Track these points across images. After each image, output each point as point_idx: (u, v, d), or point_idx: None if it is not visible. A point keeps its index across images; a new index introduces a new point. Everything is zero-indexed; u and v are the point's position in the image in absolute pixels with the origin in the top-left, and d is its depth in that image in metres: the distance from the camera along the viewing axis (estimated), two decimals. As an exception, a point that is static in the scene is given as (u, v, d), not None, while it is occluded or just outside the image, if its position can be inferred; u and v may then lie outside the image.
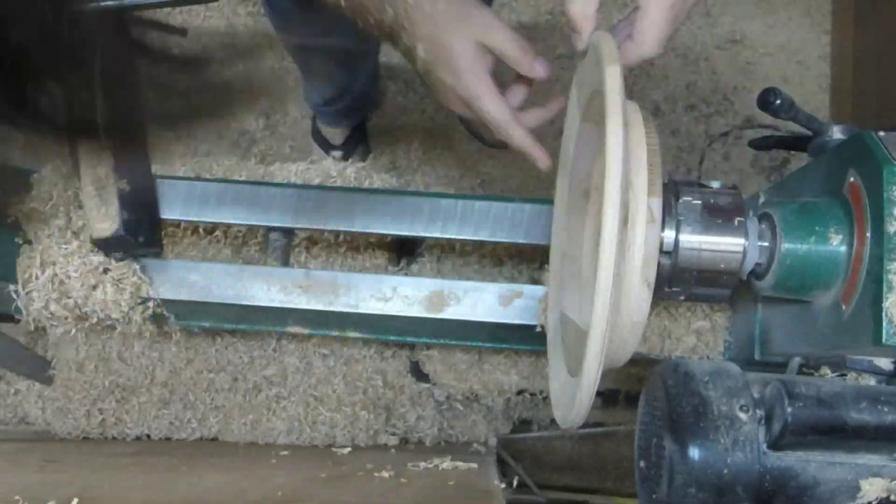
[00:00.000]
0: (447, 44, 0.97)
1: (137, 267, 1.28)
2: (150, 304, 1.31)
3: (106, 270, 1.26)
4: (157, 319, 1.35)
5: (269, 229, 1.36)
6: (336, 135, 2.04)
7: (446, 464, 1.31)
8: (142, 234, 1.25)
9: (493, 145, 2.01)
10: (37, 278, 1.27)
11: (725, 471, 0.77)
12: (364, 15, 1.02)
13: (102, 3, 1.01)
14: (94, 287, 1.26)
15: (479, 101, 1.01)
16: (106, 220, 1.22)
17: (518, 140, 1.06)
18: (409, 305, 1.29)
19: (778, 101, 1.12)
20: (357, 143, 2.06)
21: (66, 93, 1.22)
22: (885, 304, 0.84)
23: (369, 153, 2.12)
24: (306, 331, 1.36)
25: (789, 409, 0.78)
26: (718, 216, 0.97)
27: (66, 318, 1.30)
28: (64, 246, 1.26)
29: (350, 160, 2.02)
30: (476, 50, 0.98)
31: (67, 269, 1.26)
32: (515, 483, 1.72)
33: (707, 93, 2.15)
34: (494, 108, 1.02)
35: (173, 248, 1.42)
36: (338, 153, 2.04)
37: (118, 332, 1.41)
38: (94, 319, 1.30)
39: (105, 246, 1.24)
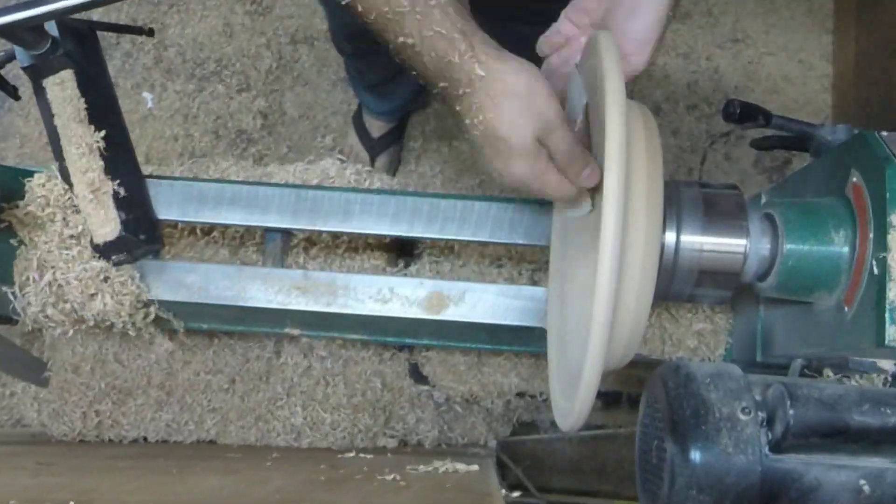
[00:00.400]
0: (506, 136, 0.91)
1: (137, 276, 1.28)
2: (152, 309, 1.31)
3: (106, 279, 1.26)
4: (157, 324, 1.35)
5: (267, 230, 1.36)
6: (375, 126, 2.03)
7: (446, 466, 1.31)
8: (142, 232, 1.25)
9: None
10: (34, 282, 1.27)
11: (727, 473, 0.77)
12: (434, 70, 0.94)
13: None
14: (93, 295, 1.26)
15: (539, 184, 0.95)
16: (107, 224, 1.22)
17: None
18: (407, 307, 1.29)
19: (738, 112, 1.13)
20: (391, 144, 2.06)
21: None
22: (888, 306, 0.84)
23: (399, 164, 2.13)
24: (304, 332, 1.36)
25: (791, 412, 0.77)
26: (720, 217, 0.97)
27: (63, 321, 1.30)
28: (65, 251, 1.26)
29: (378, 162, 2.03)
30: (534, 144, 0.92)
31: (68, 275, 1.26)
32: (515, 486, 1.72)
33: (709, 92, 2.15)
34: (557, 185, 0.95)
35: (170, 249, 1.42)
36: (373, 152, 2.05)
37: (115, 334, 1.41)
38: (92, 322, 1.30)
39: (108, 250, 1.24)
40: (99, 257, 1.25)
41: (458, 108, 0.95)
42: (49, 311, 1.28)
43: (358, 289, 1.29)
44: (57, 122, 1.22)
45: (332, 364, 1.53)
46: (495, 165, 0.95)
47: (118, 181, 1.23)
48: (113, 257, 1.25)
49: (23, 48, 1.18)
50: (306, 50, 2.19)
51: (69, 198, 1.27)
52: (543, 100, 0.92)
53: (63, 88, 1.21)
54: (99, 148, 1.22)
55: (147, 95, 2.17)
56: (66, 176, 1.23)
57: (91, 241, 1.24)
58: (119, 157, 1.25)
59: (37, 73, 1.21)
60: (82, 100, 1.22)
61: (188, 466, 1.32)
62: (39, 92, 1.22)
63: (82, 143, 1.21)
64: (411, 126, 2.14)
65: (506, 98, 0.91)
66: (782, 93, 2.15)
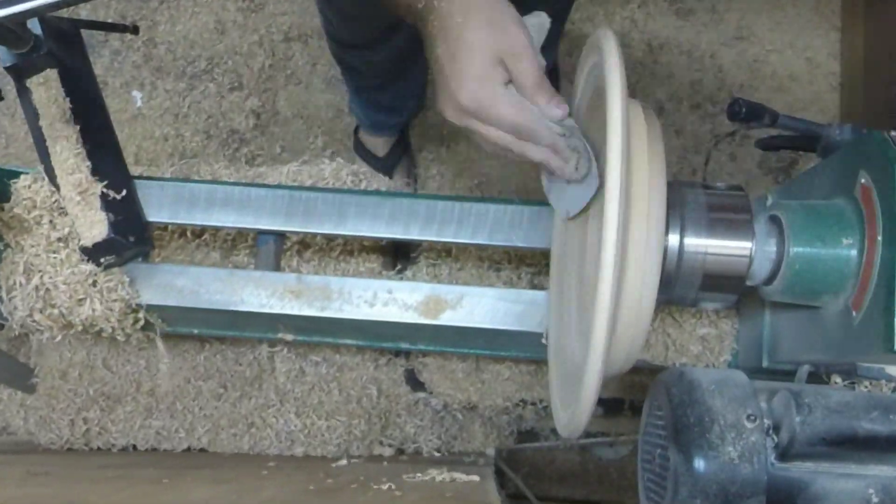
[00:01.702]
0: (468, 46, 0.91)
1: (127, 280, 1.28)
2: (141, 314, 1.31)
3: (94, 283, 1.26)
4: (147, 329, 1.35)
5: (260, 232, 1.35)
6: (378, 145, 2.01)
7: (443, 475, 1.30)
8: (131, 234, 1.25)
9: None
10: (21, 286, 1.27)
11: (732, 483, 0.77)
12: None
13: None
14: (81, 300, 1.26)
15: (489, 109, 0.92)
16: (95, 226, 1.22)
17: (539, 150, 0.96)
18: (404, 311, 1.29)
19: (744, 111, 1.13)
20: (401, 156, 2.04)
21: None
22: (898, 310, 0.84)
23: (415, 169, 2.10)
24: (298, 337, 1.36)
25: (798, 419, 0.77)
26: (724, 219, 0.97)
27: (50, 326, 1.30)
28: (52, 255, 1.26)
29: (395, 176, 2.01)
30: (494, 63, 0.91)
31: (56, 279, 1.25)
32: (514, 495, 1.72)
33: (713, 91, 2.14)
34: (513, 114, 0.92)
35: (161, 252, 1.42)
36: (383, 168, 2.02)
37: (103, 339, 1.41)
38: (80, 327, 1.30)
39: (96, 252, 1.24)
40: (87, 260, 1.25)
41: (429, 26, 0.95)
42: (36, 315, 1.28)
43: (353, 293, 1.29)
44: (42, 122, 1.22)
45: (327, 370, 1.53)
46: (448, 87, 0.93)
47: (106, 182, 1.23)
48: (101, 260, 1.25)
49: (5, 47, 1.18)
50: (300, 48, 2.19)
51: (56, 200, 1.26)
52: (513, 21, 0.92)
53: (47, 88, 1.21)
54: (85, 148, 1.22)
55: (136, 94, 2.17)
56: (52, 177, 1.23)
57: (79, 243, 1.24)
58: (106, 158, 1.25)
59: (20, 73, 1.21)
60: (67, 99, 1.22)
61: (178, 475, 1.32)
62: (23, 92, 1.22)
63: (68, 144, 1.21)
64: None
65: (477, 8, 0.91)
66: (788, 91, 2.14)
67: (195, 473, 1.36)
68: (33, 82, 1.22)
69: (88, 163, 1.22)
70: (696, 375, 0.84)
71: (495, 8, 0.93)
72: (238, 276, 1.31)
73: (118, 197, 1.25)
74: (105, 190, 1.23)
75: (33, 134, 1.24)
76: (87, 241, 1.23)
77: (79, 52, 1.27)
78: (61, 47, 1.22)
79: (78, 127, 1.22)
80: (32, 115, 1.23)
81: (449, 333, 1.31)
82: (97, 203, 1.22)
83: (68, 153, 1.21)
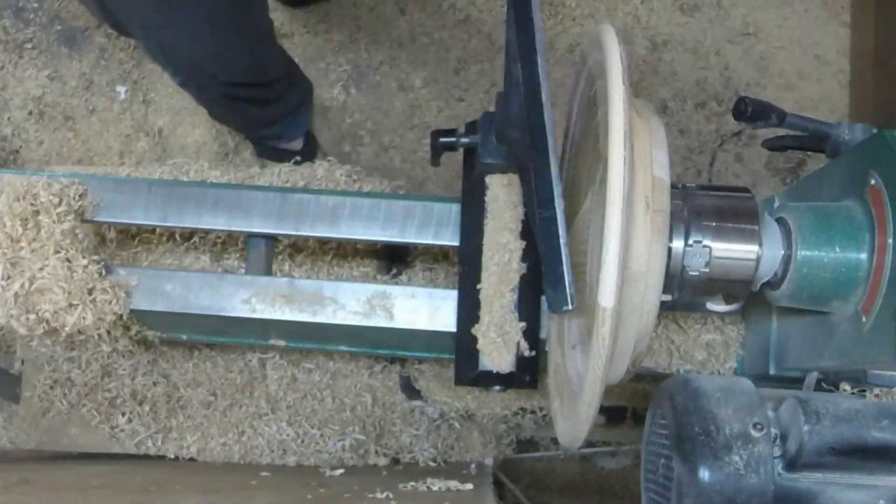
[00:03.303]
0: None
1: (124, 295, 1.27)
2: (133, 328, 1.30)
3: (91, 292, 1.25)
4: (141, 341, 1.34)
5: (251, 235, 1.35)
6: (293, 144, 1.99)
7: (440, 485, 1.31)
8: (528, 374, 1.24)
9: None
10: (3, 289, 1.26)
11: (738, 493, 0.77)
12: None
13: None
14: (73, 306, 1.25)
15: None
16: (503, 354, 1.21)
17: None
18: (399, 316, 1.29)
19: (750, 110, 1.13)
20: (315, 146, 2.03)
21: None
22: (908, 316, 0.84)
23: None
24: (290, 344, 1.36)
25: (806, 428, 0.77)
26: (730, 221, 0.97)
27: (34, 333, 1.29)
28: (62, 252, 1.25)
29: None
30: None
31: (56, 277, 1.24)
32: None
33: (718, 89, 2.15)
34: None
35: (148, 256, 1.42)
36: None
37: (89, 347, 1.40)
38: (64, 334, 1.29)
39: (485, 378, 1.23)
40: (473, 383, 1.25)
41: None
42: (18, 321, 1.27)
43: (346, 298, 1.29)
44: (488, 223, 1.22)
45: (320, 377, 1.53)
46: None
47: (524, 326, 1.22)
48: (492, 387, 1.24)
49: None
50: (291, 45, 2.19)
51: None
52: None
53: (509, 192, 1.22)
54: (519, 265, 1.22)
55: (120, 89, 2.16)
56: (471, 275, 1.23)
57: (481, 367, 1.22)
58: (529, 292, 1.23)
59: (488, 169, 1.21)
60: (522, 209, 1.21)
61: (167, 484, 1.32)
62: (476, 187, 1.24)
63: (511, 258, 1.21)
64: (403, 125, 2.13)
65: None
66: (796, 90, 2.15)
67: (184, 482, 1.36)
68: (494, 180, 1.22)
69: (516, 289, 1.22)
70: (701, 383, 0.84)
71: None
72: (228, 281, 1.31)
73: (527, 353, 1.23)
74: (521, 340, 1.22)
75: (465, 227, 1.25)
76: (490, 367, 1.22)
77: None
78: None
79: (524, 243, 1.22)
80: (477, 209, 1.23)
81: (446, 339, 1.30)
82: (516, 336, 1.21)
83: (507, 267, 1.22)
